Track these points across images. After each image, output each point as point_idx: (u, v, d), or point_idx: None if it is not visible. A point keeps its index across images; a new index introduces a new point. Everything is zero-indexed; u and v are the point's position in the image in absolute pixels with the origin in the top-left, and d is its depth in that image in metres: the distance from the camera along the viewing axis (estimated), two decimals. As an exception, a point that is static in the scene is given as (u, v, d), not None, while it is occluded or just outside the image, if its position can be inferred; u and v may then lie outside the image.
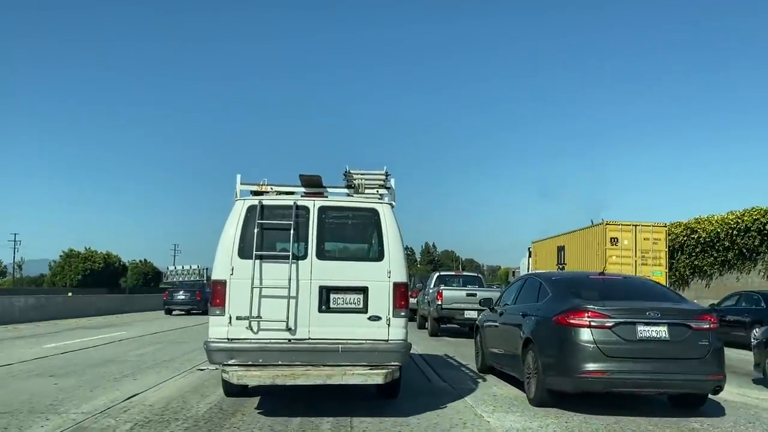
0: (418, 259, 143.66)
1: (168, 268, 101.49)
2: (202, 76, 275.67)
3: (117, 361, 10.54)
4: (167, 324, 21.54)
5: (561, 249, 28.66)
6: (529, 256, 33.18)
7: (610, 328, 6.73)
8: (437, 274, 20.91)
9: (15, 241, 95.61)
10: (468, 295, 16.78)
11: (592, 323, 6.75)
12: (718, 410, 7.29)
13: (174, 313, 28.78)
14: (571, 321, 6.86)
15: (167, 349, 12.82)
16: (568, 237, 28.28)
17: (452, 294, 16.95)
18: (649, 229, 24.29)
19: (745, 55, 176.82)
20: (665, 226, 24.85)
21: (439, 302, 16.67)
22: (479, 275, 21.96)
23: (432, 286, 19.25)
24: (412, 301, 22.03)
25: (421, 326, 19.79)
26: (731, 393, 8.22)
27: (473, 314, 15.66)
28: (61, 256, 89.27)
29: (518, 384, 8.22)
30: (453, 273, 23.28)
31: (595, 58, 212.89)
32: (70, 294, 36.06)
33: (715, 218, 27.45)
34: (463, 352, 12.90)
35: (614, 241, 24.14)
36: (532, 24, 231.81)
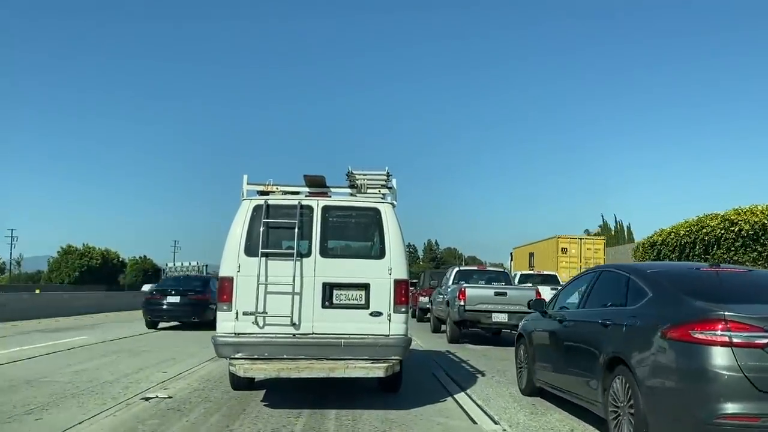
0: (421, 257, 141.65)
1: (167, 265, 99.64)
2: (204, 72, 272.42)
3: (40, 382, 7.91)
4: (144, 326, 18.57)
5: (531, 255, 33.58)
6: (511, 260, 37.49)
7: (763, 347, 4.37)
8: (456, 269, 17.70)
9: (12, 237, 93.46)
10: (497, 294, 13.96)
11: (735, 339, 4.39)
12: None
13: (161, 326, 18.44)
14: (698, 336, 4.48)
15: (120, 362, 10.15)
16: (535, 246, 34.80)
17: (477, 293, 14.03)
18: (591, 242, 32.07)
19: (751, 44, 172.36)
20: (603, 239, 32.42)
21: (461, 303, 13.78)
22: (505, 271, 18.36)
23: (450, 283, 16.35)
24: (424, 299, 22.25)
25: (436, 329, 17.20)
26: None
27: (502, 317, 13.61)
28: (58, 252, 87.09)
29: (588, 416, 6.01)
30: (475, 268, 19.95)
31: (601, 52, 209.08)
32: (37, 291, 33.20)
33: (760, 208, 24.55)
34: (496, 366, 10.42)
35: (564, 250, 31.06)
36: (534, 18, 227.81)
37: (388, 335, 6.59)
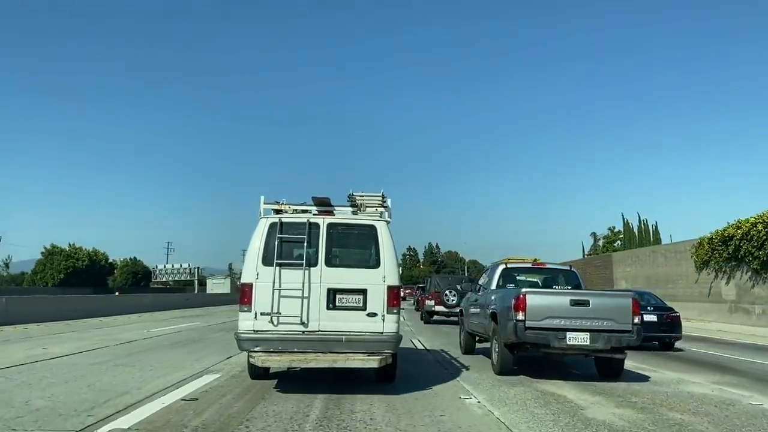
0: (421, 260, 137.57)
1: (157, 267, 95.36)
2: (199, 76, 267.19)
3: None
4: (56, 347, 12.97)
5: None
6: None
7: None
8: (502, 266, 12.44)
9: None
10: (574, 303, 9.56)
11: None
12: None
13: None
14: None
15: None
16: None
17: (545, 302, 9.65)
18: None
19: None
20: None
21: (520, 316, 9.50)
22: (573, 269, 12.73)
23: (495, 286, 11.91)
24: (430, 303, 24.90)
25: (469, 350, 13.22)
26: None
27: (583, 338, 9.39)
28: (42, 253, 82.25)
29: None
30: (529, 265, 13.22)
31: (609, 56, 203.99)
32: None
33: None
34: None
35: None
36: (540, 26, 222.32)
37: (382, 332, 7.84)
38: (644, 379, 10.14)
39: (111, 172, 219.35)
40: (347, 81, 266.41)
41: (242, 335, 7.77)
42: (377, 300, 7.82)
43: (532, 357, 10.94)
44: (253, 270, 7.85)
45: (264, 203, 8.34)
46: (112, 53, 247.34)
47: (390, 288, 7.87)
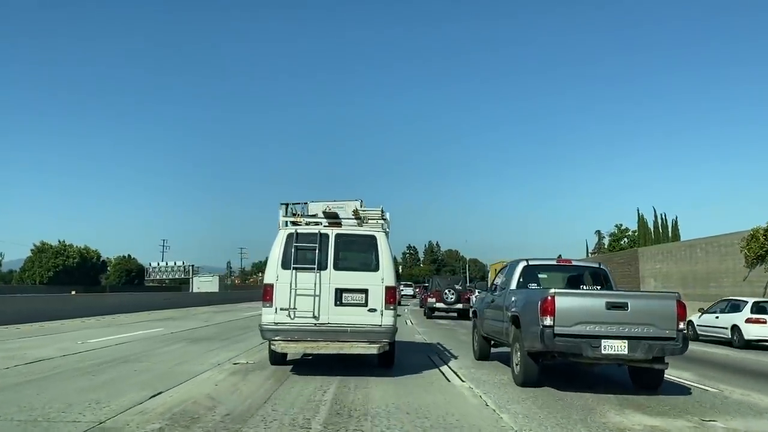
0: (422, 258, 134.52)
1: (150, 265, 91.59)
2: (198, 70, 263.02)
3: None
4: None
5: (497, 271, 44.64)
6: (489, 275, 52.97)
7: None
8: (523, 263, 10.94)
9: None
10: (610, 306, 8.45)
11: None
12: None
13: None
14: None
15: None
16: (493, 265, 48.94)
17: (577, 304, 8.53)
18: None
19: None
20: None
21: (548, 321, 8.35)
22: (602, 266, 11.10)
23: (515, 286, 10.68)
24: (432, 300, 29.37)
25: (484, 355, 12.39)
26: None
27: (619, 346, 8.30)
28: (32, 250, 78.98)
29: None
30: (554, 262, 11.86)
31: (608, 56, 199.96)
32: None
33: None
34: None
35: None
36: (537, 24, 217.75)
37: (381, 325, 9.29)
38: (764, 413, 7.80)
39: (109, 169, 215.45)
40: (347, 78, 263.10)
41: (265, 327, 9.42)
42: (377, 298, 9.32)
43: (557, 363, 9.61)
44: (273, 273, 9.44)
45: (282, 216, 10.11)
46: (108, 43, 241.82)
47: (387, 288, 9.38)
